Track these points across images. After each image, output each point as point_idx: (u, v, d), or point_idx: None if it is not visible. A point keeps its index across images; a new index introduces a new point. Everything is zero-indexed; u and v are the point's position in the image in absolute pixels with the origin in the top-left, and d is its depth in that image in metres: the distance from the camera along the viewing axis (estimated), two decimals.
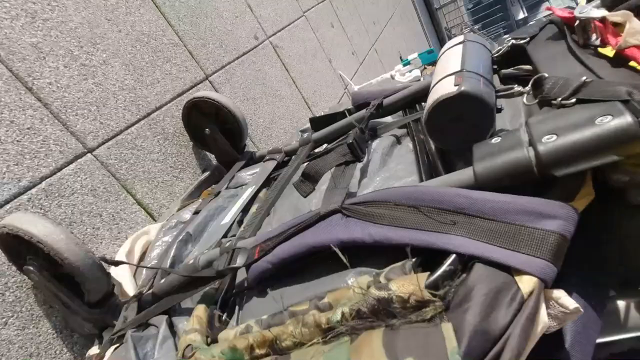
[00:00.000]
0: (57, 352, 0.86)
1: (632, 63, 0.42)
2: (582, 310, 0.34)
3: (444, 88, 0.50)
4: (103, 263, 0.78)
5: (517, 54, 0.65)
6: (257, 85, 1.79)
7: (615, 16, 0.44)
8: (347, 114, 0.99)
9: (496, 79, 0.69)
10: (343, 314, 0.40)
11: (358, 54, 3.20)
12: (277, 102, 1.91)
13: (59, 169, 0.97)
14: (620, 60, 0.45)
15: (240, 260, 0.59)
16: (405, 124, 0.80)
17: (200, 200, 1.10)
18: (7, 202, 0.86)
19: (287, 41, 2.16)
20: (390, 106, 0.88)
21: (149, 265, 0.86)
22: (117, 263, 0.73)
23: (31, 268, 0.73)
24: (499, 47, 0.65)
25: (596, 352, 0.46)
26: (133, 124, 1.18)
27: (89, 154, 1.04)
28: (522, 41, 0.63)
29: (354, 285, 0.44)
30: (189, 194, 1.22)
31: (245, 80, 1.72)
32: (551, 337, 0.39)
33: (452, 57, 0.59)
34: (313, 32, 2.50)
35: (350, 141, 0.64)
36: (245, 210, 0.91)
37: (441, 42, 8.37)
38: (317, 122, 1.03)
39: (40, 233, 0.68)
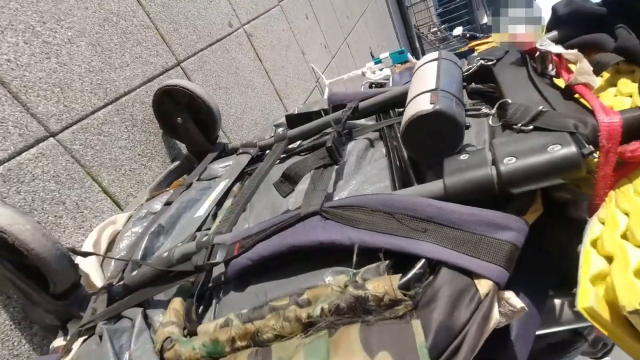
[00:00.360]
0: (15, 343, 0.83)
1: (577, 95, 0.49)
2: (527, 309, 0.40)
3: (420, 104, 0.54)
4: (68, 253, 0.76)
5: (484, 73, 0.72)
6: (229, 75, 1.76)
7: (569, 55, 0.50)
8: (322, 113, 1.02)
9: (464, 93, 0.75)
10: (322, 310, 0.44)
11: (330, 47, 3.22)
12: (250, 92, 1.89)
13: (19, 153, 0.92)
14: (569, 92, 0.51)
15: (220, 256, 0.61)
16: (379, 128, 0.85)
17: (170, 191, 1.08)
18: None
19: (261, 30, 2.13)
20: (366, 110, 0.92)
21: (119, 257, 0.85)
22: (86, 254, 0.72)
23: None
24: (469, 66, 0.71)
25: (535, 342, 0.53)
26: (100, 109, 1.13)
27: (51, 138, 0.99)
28: (489, 62, 0.69)
29: (332, 284, 0.48)
30: (157, 184, 1.20)
31: (218, 69, 1.69)
32: (499, 330, 0.45)
33: (427, 73, 0.63)
34: (287, 22, 2.48)
35: (330, 145, 0.67)
36: (219, 204, 0.92)
37: (410, 40, 8.57)
38: (293, 120, 1.05)
39: (4, 222, 0.66)
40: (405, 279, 0.42)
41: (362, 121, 0.97)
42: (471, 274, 0.41)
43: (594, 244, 0.40)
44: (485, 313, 0.38)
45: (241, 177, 1.02)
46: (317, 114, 1.03)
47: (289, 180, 0.65)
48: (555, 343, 0.58)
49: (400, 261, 0.46)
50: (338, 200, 0.56)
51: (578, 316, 0.51)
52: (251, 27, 2.04)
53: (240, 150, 1.13)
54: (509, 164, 0.44)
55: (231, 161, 1.12)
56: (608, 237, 0.38)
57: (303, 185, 0.70)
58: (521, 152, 0.44)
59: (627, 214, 0.38)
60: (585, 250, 0.39)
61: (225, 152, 1.25)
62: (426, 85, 0.60)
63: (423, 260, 0.43)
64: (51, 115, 1.00)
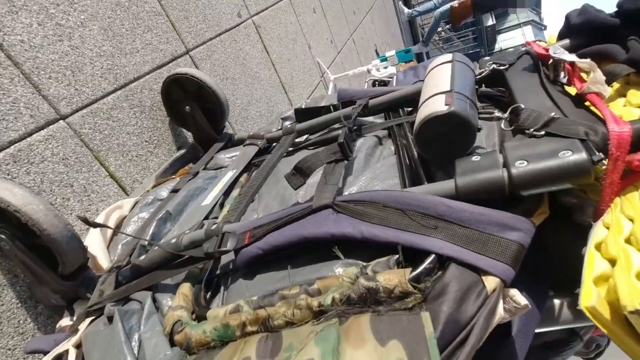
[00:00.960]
0: (21, 321, 0.84)
1: (588, 104, 0.51)
2: (530, 306, 0.42)
3: (435, 105, 0.56)
4: (78, 235, 0.78)
5: (495, 77, 0.73)
6: (237, 65, 1.77)
7: (583, 64, 0.52)
8: (332, 109, 1.03)
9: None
10: (334, 299, 0.46)
11: (336, 42, 3.22)
12: (256, 84, 1.89)
13: (29, 134, 0.92)
14: (580, 100, 0.53)
15: (230, 244, 0.62)
16: (388, 126, 0.86)
17: (177, 178, 1.09)
18: None
19: (269, 22, 2.13)
20: (375, 107, 0.93)
21: (126, 240, 0.86)
22: (97, 225, 0.71)
23: (3, 237, 0.71)
24: (481, 70, 0.72)
25: (533, 340, 0.55)
26: (109, 94, 1.13)
27: (61, 121, 0.99)
28: (501, 67, 0.71)
29: (342, 275, 0.49)
30: (163, 171, 1.21)
31: (226, 59, 1.69)
32: (501, 325, 0.47)
33: (441, 75, 0.65)
34: (295, 15, 2.48)
35: (341, 141, 0.69)
36: (226, 193, 0.93)
37: (414, 39, 8.57)
38: (302, 114, 1.06)
39: (19, 202, 0.67)
40: (415, 272, 0.43)
41: (371, 119, 0.98)
42: (479, 271, 0.42)
43: (598, 247, 0.42)
44: (491, 308, 0.40)
45: (248, 168, 1.03)
46: (325, 109, 1.04)
47: (300, 173, 0.66)
48: (553, 341, 0.60)
49: (407, 256, 0.48)
50: (349, 195, 0.58)
51: (576, 316, 0.53)
52: (260, 19, 2.03)
53: (248, 142, 1.14)
54: (521, 167, 0.45)
55: (238, 152, 1.13)
56: (612, 241, 0.40)
57: (313, 178, 0.72)
58: (533, 156, 0.46)
59: (631, 220, 0.40)
60: (590, 253, 0.41)
61: (231, 142, 1.26)
62: (440, 86, 0.61)
63: (433, 256, 0.44)
64: (62, 98, 1.01)
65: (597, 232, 0.43)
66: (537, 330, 0.55)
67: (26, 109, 0.92)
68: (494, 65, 0.71)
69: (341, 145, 0.68)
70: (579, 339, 0.60)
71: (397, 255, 0.48)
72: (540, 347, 0.60)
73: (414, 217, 0.49)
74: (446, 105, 0.54)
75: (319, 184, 0.62)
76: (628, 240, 0.39)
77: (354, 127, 0.88)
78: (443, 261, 0.45)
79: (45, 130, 0.95)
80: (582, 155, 0.43)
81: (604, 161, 0.42)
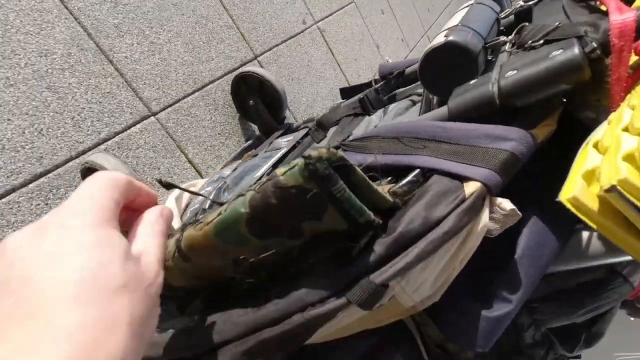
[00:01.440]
0: None
1: (604, 8, 0.46)
2: (519, 213, 0.40)
3: (436, 40, 0.56)
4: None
5: (525, 16, 0.69)
6: (302, 67, 1.91)
7: None
8: (373, 83, 1.07)
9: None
10: None
11: (408, 41, 3.19)
12: (321, 83, 2.01)
13: (129, 127, 1.16)
14: (598, 8, 0.48)
15: None
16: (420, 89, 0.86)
17: (240, 160, 1.24)
18: (90, 149, 1.07)
19: (334, 26, 2.25)
20: (412, 75, 0.94)
21: (194, 208, 1.02)
22: (170, 186, 0.87)
23: None
24: (507, 9, 0.69)
25: (564, 281, 0.50)
26: (189, 95, 1.35)
27: (152, 117, 1.23)
28: (530, 2, 0.66)
29: None
30: (232, 158, 1.38)
31: (291, 62, 1.85)
32: (504, 248, 0.45)
33: (457, 15, 0.64)
34: (362, 18, 2.56)
35: (362, 97, 0.72)
36: (274, 166, 1.03)
37: None
38: (347, 92, 1.12)
39: (111, 168, 0.86)
40: (398, 185, 0.45)
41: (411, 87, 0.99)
42: (462, 178, 0.42)
43: (595, 145, 0.38)
44: (467, 208, 0.39)
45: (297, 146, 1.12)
46: (368, 85, 1.07)
47: (321, 127, 0.72)
48: (587, 282, 0.52)
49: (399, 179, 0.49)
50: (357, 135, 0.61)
51: (608, 249, 0.46)
52: (324, 24, 2.16)
53: (302, 126, 1.24)
54: (510, 77, 0.44)
55: (292, 136, 1.23)
56: (609, 132, 0.36)
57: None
58: (523, 65, 0.44)
59: (633, 108, 0.36)
60: (584, 149, 0.37)
61: (290, 129, 1.37)
62: (451, 24, 0.61)
63: (417, 170, 0.45)
64: (153, 99, 1.24)
65: (599, 131, 0.39)
66: (564, 268, 0.50)
67: (127, 107, 1.17)
68: (522, 2, 0.67)
69: (361, 100, 0.72)
70: (622, 279, 0.51)
71: (389, 178, 0.50)
72: (572, 290, 0.52)
73: (406, 143, 0.50)
74: (445, 37, 0.54)
75: (335, 132, 0.67)
76: (625, 129, 0.35)
77: (389, 95, 0.90)
78: (427, 174, 0.45)
79: (140, 124, 1.19)
80: (573, 51, 0.39)
81: (597, 51, 0.38)
